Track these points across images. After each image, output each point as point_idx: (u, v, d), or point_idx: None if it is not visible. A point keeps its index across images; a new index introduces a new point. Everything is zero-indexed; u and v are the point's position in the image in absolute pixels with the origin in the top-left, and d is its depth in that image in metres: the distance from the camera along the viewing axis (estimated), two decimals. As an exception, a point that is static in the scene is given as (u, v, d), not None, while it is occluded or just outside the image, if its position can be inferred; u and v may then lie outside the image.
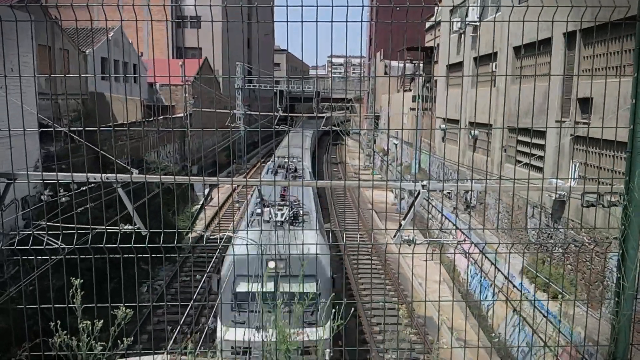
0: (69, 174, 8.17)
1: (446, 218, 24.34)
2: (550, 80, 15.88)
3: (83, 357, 3.41)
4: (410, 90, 36.85)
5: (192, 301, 16.66)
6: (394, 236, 10.27)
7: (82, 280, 3.84)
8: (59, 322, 3.45)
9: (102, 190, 7.03)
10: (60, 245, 7.13)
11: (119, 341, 3.61)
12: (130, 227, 8.73)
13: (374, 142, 45.95)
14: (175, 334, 14.33)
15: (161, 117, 31.18)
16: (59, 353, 3.43)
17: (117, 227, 7.54)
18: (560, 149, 15.73)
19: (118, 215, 7.25)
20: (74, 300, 3.57)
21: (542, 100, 16.82)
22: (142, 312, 16.70)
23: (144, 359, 4.22)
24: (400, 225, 10.09)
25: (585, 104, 14.55)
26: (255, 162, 47.94)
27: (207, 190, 33.77)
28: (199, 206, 30.14)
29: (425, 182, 8.99)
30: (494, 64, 20.63)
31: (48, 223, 9.31)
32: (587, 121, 14.42)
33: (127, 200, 9.18)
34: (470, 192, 19.91)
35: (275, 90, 65.62)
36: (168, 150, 32.01)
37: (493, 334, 16.75)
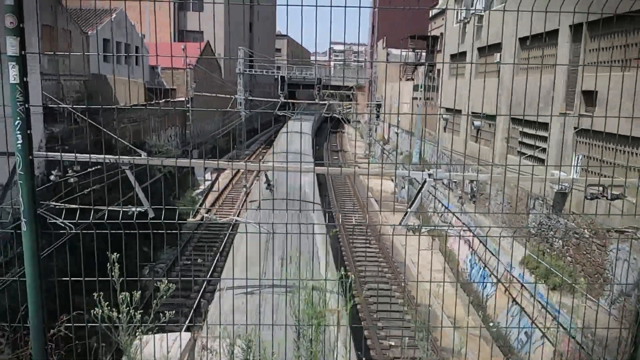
0: (82, 154, 8.18)
1: (445, 207, 24.43)
2: (555, 72, 15.89)
3: (124, 328, 3.47)
4: (412, 79, 36.76)
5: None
6: (400, 223, 10.36)
7: (95, 256, 3.89)
8: (102, 293, 3.51)
9: (104, 173, 7.08)
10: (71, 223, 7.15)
11: (160, 314, 3.66)
12: (139, 208, 8.77)
13: (374, 131, 45.92)
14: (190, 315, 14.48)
15: (162, 100, 31.10)
16: (97, 324, 3.50)
17: (125, 207, 7.60)
18: (563, 142, 15.77)
19: (122, 196, 7.30)
20: (112, 272, 3.62)
21: (546, 92, 16.84)
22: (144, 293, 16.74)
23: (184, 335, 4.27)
24: (406, 213, 10.16)
25: (589, 96, 14.57)
26: (255, 147, 47.89)
27: (208, 175, 33.96)
28: (199, 191, 30.20)
29: (431, 171, 9.07)
30: (499, 54, 20.59)
31: (56, 203, 9.35)
32: (590, 114, 14.44)
33: (134, 182, 9.21)
34: (474, 182, 19.96)
35: (275, 76, 65.26)
36: (169, 134, 31.96)
37: (491, 323, 16.89)
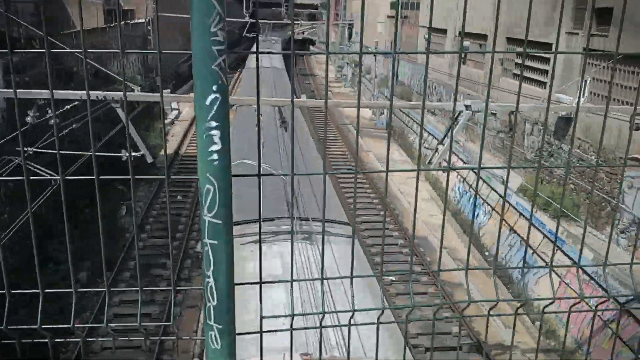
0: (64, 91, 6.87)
1: (432, 135, 23.66)
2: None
3: None
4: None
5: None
6: (429, 161, 9.49)
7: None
8: None
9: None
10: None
11: None
12: (135, 153, 7.57)
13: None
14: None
15: (123, 22, 28.52)
16: None
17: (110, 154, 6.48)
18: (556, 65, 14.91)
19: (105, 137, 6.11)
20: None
21: (551, 9, 15.81)
22: (126, 236, 15.71)
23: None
24: (436, 149, 9.24)
25: (603, 14, 13.62)
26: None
27: (175, 104, 31.50)
28: (168, 121, 28.57)
29: (468, 102, 8.06)
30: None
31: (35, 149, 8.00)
32: (604, 34, 13.57)
33: (129, 123, 7.91)
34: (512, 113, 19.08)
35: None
36: (131, 60, 29.67)
37: (487, 253, 16.61)
